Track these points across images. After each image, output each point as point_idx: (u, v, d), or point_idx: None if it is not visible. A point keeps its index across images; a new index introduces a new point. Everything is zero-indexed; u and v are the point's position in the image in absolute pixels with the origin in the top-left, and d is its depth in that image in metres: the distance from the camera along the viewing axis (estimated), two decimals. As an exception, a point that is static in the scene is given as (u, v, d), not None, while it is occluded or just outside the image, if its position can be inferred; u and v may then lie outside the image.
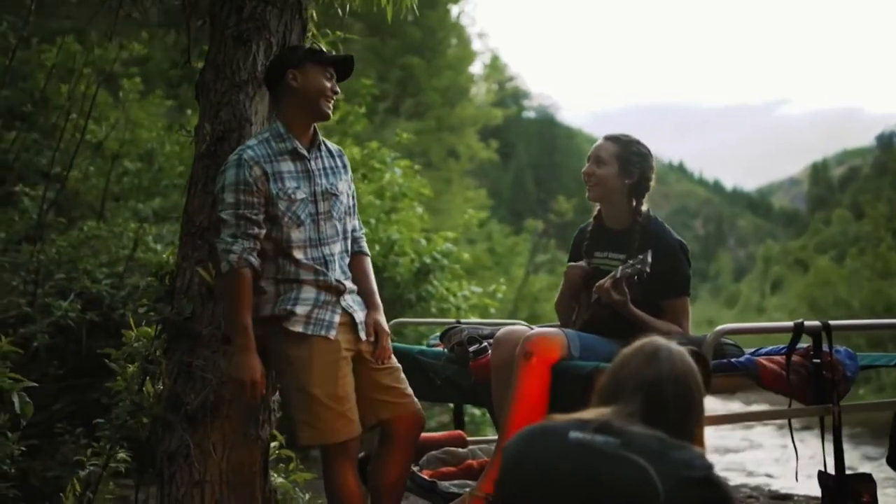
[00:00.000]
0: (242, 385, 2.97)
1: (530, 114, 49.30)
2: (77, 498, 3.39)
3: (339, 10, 4.37)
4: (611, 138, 3.36)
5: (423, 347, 4.08)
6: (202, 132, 3.42)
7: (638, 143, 3.37)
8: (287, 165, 3.11)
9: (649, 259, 3.08)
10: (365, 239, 3.44)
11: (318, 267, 3.10)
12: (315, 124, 3.24)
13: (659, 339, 1.96)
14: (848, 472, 2.76)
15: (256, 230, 3.04)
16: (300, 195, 3.10)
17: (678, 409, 1.84)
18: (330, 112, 3.20)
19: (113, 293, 5.74)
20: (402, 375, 3.28)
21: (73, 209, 8.32)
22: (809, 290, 21.43)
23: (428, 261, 7.35)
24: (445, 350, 3.66)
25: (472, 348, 3.37)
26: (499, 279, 18.40)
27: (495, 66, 46.42)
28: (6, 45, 6.48)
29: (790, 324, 2.67)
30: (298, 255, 3.08)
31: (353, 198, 3.38)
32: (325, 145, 3.30)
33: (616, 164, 3.30)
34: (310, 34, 4.03)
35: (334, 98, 3.20)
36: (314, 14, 4.27)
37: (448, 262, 7.73)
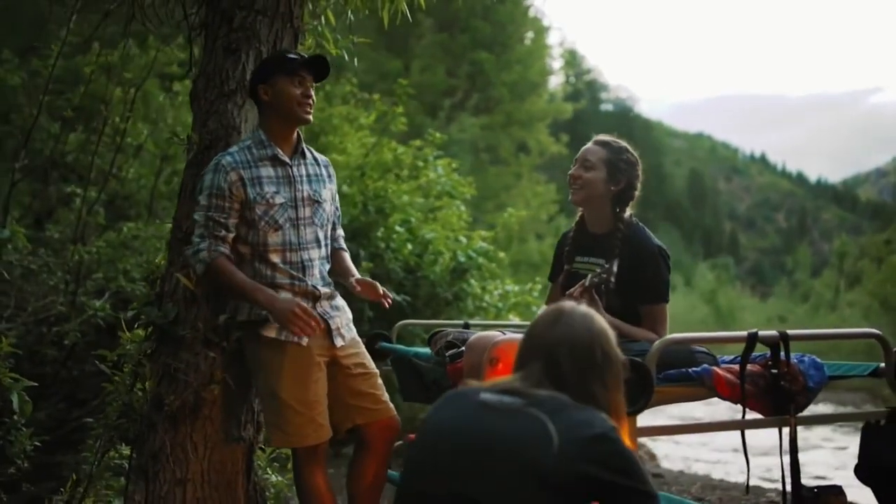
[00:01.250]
0: (295, 315, 3.00)
1: (608, 106, 48.91)
2: (69, 494, 3.53)
3: (351, 15, 4.45)
4: (601, 143, 3.35)
5: (419, 350, 4.12)
6: (192, 140, 3.52)
7: (627, 150, 3.35)
8: (267, 171, 3.19)
9: (614, 269, 3.07)
10: (343, 238, 3.54)
11: (295, 272, 3.17)
12: (298, 130, 3.31)
13: (566, 304, 1.99)
14: (822, 482, 2.73)
15: (224, 232, 3.14)
16: (279, 200, 3.17)
17: (576, 372, 1.88)
18: (308, 116, 3.24)
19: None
20: (379, 381, 3.34)
21: (129, 209, 8.59)
22: (882, 286, 20.75)
23: (463, 259, 7.37)
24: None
25: (448, 353, 3.40)
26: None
27: (571, 59, 46.16)
28: (69, 50, 6.75)
29: (744, 333, 2.63)
30: (275, 258, 3.16)
31: (338, 208, 3.46)
32: (311, 153, 3.37)
33: (604, 169, 3.29)
34: (309, 41, 4.11)
35: (309, 101, 3.24)
36: (331, 17, 4.36)
37: (485, 260, 7.73)
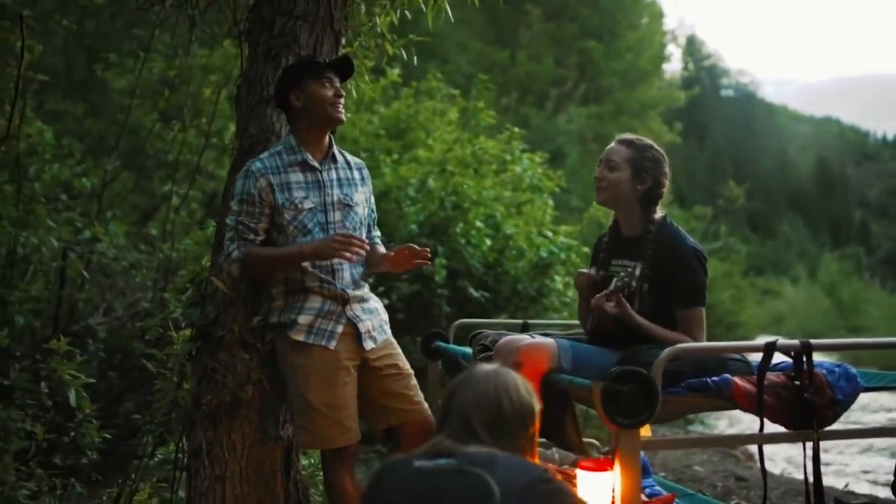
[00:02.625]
0: (338, 244, 3.07)
1: (728, 92, 47.58)
2: (119, 488, 3.67)
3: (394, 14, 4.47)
4: (624, 142, 3.28)
5: (467, 350, 4.11)
6: (233, 146, 3.60)
7: (652, 147, 3.28)
8: (296, 176, 3.24)
9: (637, 272, 3.00)
10: (379, 238, 3.59)
11: (324, 276, 3.20)
12: (330, 135, 3.34)
13: (474, 367, 2.08)
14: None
15: (253, 236, 3.21)
16: (307, 205, 3.22)
17: (491, 428, 1.96)
18: (341, 116, 3.27)
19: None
20: (413, 382, 3.35)
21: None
22: None
23: (545, 255, 7.30)
24: (474, 354, 3.69)
25: (480, 356, 3.38)
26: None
27: (690, 45, 45.10)
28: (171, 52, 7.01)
29: (760, 343, 2.52)
30: (305, 262, 3.20)
31: (373, 211, 3.49)
32: (344, 157, 3.40)
33: (629, 169, 3.22)
34: (356, 43, 4.14)
35: (340, 100, 3.27)
36: (394, 18, 4.40)
37: (573, 255, 7.64)
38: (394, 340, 3.43)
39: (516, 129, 8.12)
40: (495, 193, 7.71)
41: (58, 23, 7.22)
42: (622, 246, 3.28)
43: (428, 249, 3.30)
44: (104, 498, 3.86)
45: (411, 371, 3.37)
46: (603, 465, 2.39)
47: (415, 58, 4.77)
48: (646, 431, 2.51)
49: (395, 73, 8.41)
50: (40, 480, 4.06)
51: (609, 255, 3.33)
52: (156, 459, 3.77)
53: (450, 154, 7.51)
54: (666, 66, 29.50)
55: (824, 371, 2.65)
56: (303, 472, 3.64)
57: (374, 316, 3.33)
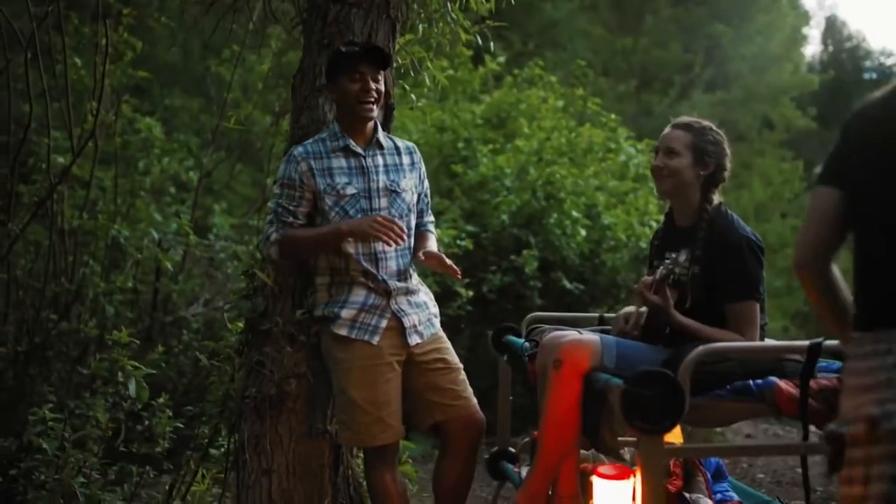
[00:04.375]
0: (378, 226, 3.00)
1: (871, 75, 45.31)
2: (174, 478, 3.70)
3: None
4: (681, 126, 3.08)
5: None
6: (288, 136, 3.58)
7: (711, 129, 3.07)
8: (339, 162, 3.18)
9: (682, 258, 2.81)
10: (432, 223, 3.45)
11: (367, 264, 3.12)
12: (376, 120, 3.26)
13: None
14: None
15: (291, 219, 3.17)
16: (350, 191, 3.15)
17: None
18: (368, 113, 3.17)
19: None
20: (462, 377, 3.25)
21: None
22: None
23: (645, 246, 7.04)
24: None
25: (528, 353, 3.24)
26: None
27: (830, 27, 43.15)
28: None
29: (805, 343, 2.28)
30: (349, 248, 3.13)
31: (426, 195, 3.38)
32: (393, 142, 3.32)
33: (690, 154, 3.02)
34: (433, 30, 4.04)
35: (369, 95, 3.16)
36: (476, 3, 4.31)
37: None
38: (443, 334, 3.33)
39: (613, 116, 7.86)
40: (598, 183, 7.49)
41: (157, 20, 7.39)
42: (676, 237, 3.08)
43: (458, 270, 3.16)
44: (167, 487, 3.88)
45: (460, 365, 3.27)
46: (623, 473, 2.22)
47: (490, 43, 4.65)
48: (676, 437, 2.32)
49: (496, 61, 8.28)
50: (119, 469, 4.14)
51: (662, 248, 3.13)
52: (219, 451, 3.77)
53: (548, 143, 7.33)
54: (805, 50, 28.32)
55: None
56: (357, 469, 3.57)
57: (421, 310, 3.24)
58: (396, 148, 3.32)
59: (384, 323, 3.12)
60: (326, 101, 3.50)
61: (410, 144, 3.38)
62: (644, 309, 3.00)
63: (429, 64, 4.02)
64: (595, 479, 2.23)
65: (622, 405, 2.13)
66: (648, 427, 2.12)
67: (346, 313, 3.11)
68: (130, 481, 4.13)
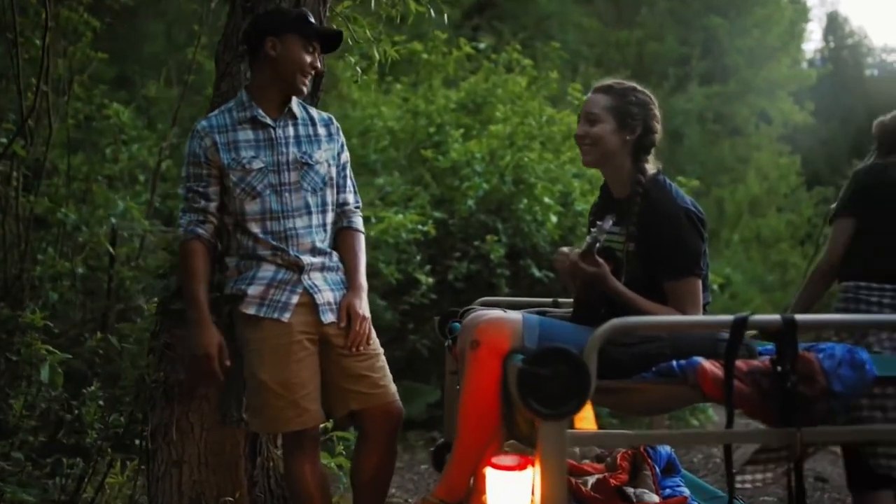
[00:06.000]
0: (198, 360, 2.87)
1: (873, 71, 45.06)
2: (84, 468, 3.48)
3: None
4: (602, 89, 2.83)
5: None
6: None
7: (635, 89, 2.82)
8: (246, 134, 2.96)
9: (607, 225, 2.58)
10: (360, 215, 3.16)
11: (276, 242, 2.90)
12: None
13: None
14: None
15: (203, 203, 2.94)
16: (257, 165, 2.93)
17: None
18: (304, 89, 2.98)
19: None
20: (380, 363, 3.01)
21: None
22: None
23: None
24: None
25: (451, 336, 3.01)
26: (794, 252, 16.97)
27: (832, 22, 42.89)
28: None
29: (729, 318, 2.04)
30: (255, 228, 2.91)
31: (343, 169, 3.13)
32: (307, 112, 3.09)
33: (612, 119, 2.77)
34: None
35: (313, 73, 2.98)
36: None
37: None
38: (367, 315, 3.09)
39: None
40: (575, 170, 7.24)
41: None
42: (611, 209, 2.84)
43: (358, 342, 2.94)
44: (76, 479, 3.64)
45: (379, 350, 3.03)
46: (521, 464, 1.99)
47: (445, 16, 4.41)
48: (589, 424, 2.09)
49: (471, 44, 8.05)
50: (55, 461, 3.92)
51: (598, 220, 2.89)
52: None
53: (521, 128, 7.09)
54: (806, 47, 28.02)
55: (820, 355, 2.16)
56: (278, 460, 3.34)
57: (338, 288, 3.01)
58: (311, 118, 3.08)
59: (295, 299, 2.89)
60: (249, 69, 3.27)
61: (328, 115, 3.15)
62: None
63: (366, 32, 3.77)
64: (488, 471, 2.00)
65: (518, 385, 1.90)
66: (546, 411, 1.89)
67: (253, 290, 2.89)
68: (62, 473, 3.91)
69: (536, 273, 6.44)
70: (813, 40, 42.00)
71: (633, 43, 20.66)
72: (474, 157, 6.79)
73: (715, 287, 9.18)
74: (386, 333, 6.26)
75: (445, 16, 4.45)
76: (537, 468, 1.90)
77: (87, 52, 6.17)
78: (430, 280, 5.93)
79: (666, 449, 3.05)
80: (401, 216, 6.08)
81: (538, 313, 2.94)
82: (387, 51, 4.31)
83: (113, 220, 6.25)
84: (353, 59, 4.25)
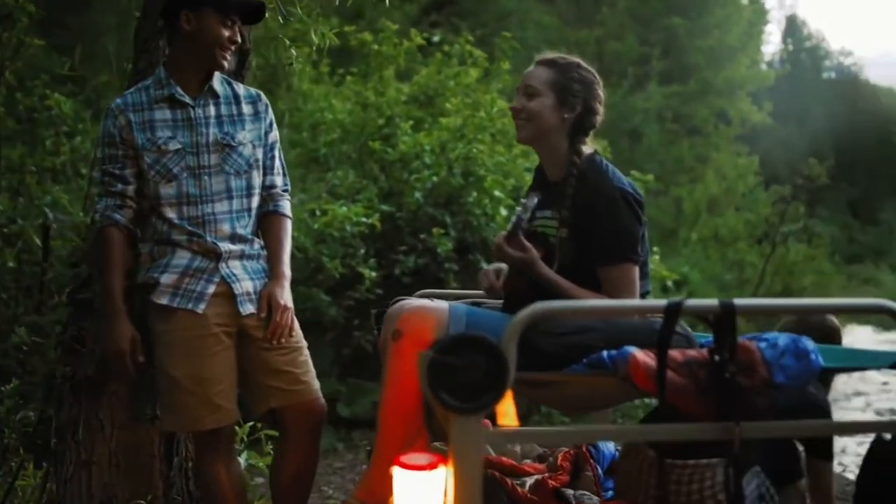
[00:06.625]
0: (108, 356, 2.68)
1: (830, 74, 45.57)
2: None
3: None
4: (544, 63, 2.67)
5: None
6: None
7: (579, 65, 2.66)
8: (163, 114, 2.76)
9: (531, 203, 2.43)
10: (288, 198, 2.97)
11: (193, 228, 2.71)
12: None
13: None
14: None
15: (120, 186, 2.74)
16: (173, 146, 2.73)
17: None
18: (225, 63, 2.78)
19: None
20: (303, 358, 2.82)
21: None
22: None
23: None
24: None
25: (376, 326, 2.83)
26: (752, 251, 16.98)
27: (791, 25, 43.31)
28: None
29: (662, 302, 1.88)
30: (170, 213, 2.72)
31: (271, 149, 2.93)
32: (232, 90, 2.88)
33: (552, 94, 2.61)
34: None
35: (233, 47, 2.79)
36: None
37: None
38: (290, 307, 2.89)
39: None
40: (528, 164, 7.08)
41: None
42: (547, 193, 2.68)
43: (279, 333, 2.75)
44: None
45: (302, 344, 2.84)
46: (432, 462, 1.81)
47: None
48: (511, 420, 1.92)
49: (422, 35, 7.89)
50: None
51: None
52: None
53: (472, 120, 6.93)
54: (765, 49, 28.21)
55: (762, 344, 2.01)
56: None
57: (259, 278, 2.81)
58: (236, 96, 2.88)
59: (211, 288, 2.70)
60: (167, 45, 3.07)
61: (256, 92, 2.95)
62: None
63: (297, 8, 3.58)
64: (395, 470, 1.82)
65: (428, 377, 1.72)
66: (459, 404, 1.71)
67: (166, 279, 2.69)
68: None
69: (486, 267, 6.26)
70: (772, 43, 42.36)
71: (593, 42, 20.60)
72: (424, 150, 6.63)
73: (670, 284, 9.12)
74: (331, 330, 6.08)
75: (404, 10, 4.27)
76: (450, 468, 1.73)
77: (22, 37, 5.93)
78: (374, 274, 5.74)
79: (609, 448, 2.89)
80: (345, 209, 5.89)
81: (474, 304, 2.78)
82: (325, 34, 4.13)
83: (49, 213, 6.01)
84: (286, 42, 4.06)
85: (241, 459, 3.50)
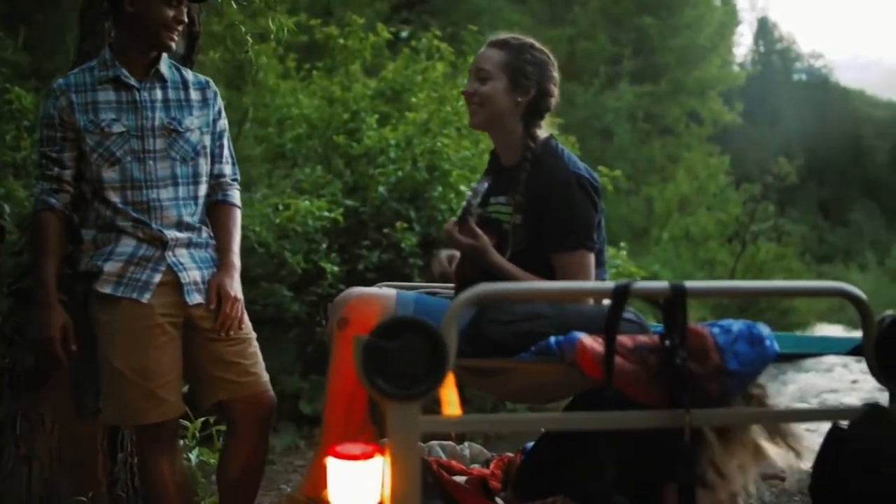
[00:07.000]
0: (40, 344, 2.59)
1: (801, 76, 45.93)
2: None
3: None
4: (496, 44, 2.60)
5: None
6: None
7: (533, 46, 2.59)
8: (106, 95, 2.67)
9: (481, 188, 2.37)
10: (237, 188, 2.89)
11: (137, 214, 2.62)
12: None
13: None
14: None
15: (57, 170, 2.65)
16: (117, 128, 2.64)
17: None
18: (172, 44, 2.69)
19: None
20: (252, 349, 2.74)
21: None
22: None
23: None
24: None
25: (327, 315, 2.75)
26: (723, 250, 17.06)
27: (762, 27, 43.57)
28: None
29: (610, 285, 1.82)
30: (114, 197, 2.63)
31: (220, 138, 2.85)
32: (181, 75, 2.80)
33: (505, 77, 2.54)
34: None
35: (179, 27, 2.69)
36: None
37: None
38: (239, 298, 2.81)
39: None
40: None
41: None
42: (501, 179, 2.61)
43: (228, 325, 2.67)
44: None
45: (251, 335, 2.76)
46: (367, 452, 1.74)
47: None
48: (455, 410, 1.85)
49: (388, 29, 7.81)
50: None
51: (486, 193, 2.65)
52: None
53: (438, 114, 6.86)
54: (736, 51, 28.35)
55: (715, 330, 1.95)
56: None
57: (207, 267, 2.73)
58: (184, 81, 2.80)
59: (157, 277, 2.61)
60: (112, 27, 2.98)
61: (205, 79, 2.87)
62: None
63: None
64: (329, 460, 1.74)
65: (362, 362, 1.65)
66: (395, 391, 1.64)
67: (110, 267, 2.60)
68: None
69: (439, 253, 6.20)
70: (743, 44, 42.65)
71: (565, 41, 20.59)
72: (389, 145, 6.55)
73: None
74: (294, 326, 5.99)
75: (374, 8, 4.20)
76: (387, 458, 1.66)
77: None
78: (336, 269, 5.66)
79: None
80: (308, 203, 5.80)
81: (429, 293, 2.71)
82: (283, 23, 4.05)
83: (6, 206, 5.89)
84: (242, 28, 3.98)
85: (192, 456, 3.43)
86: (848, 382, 9.20)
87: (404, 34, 9.05)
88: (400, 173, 6.27)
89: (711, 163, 22.11)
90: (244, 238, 5.82)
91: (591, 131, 18.21)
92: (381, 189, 6.16)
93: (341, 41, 7.68)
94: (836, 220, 35.30)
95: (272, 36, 3.99)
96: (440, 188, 6.32)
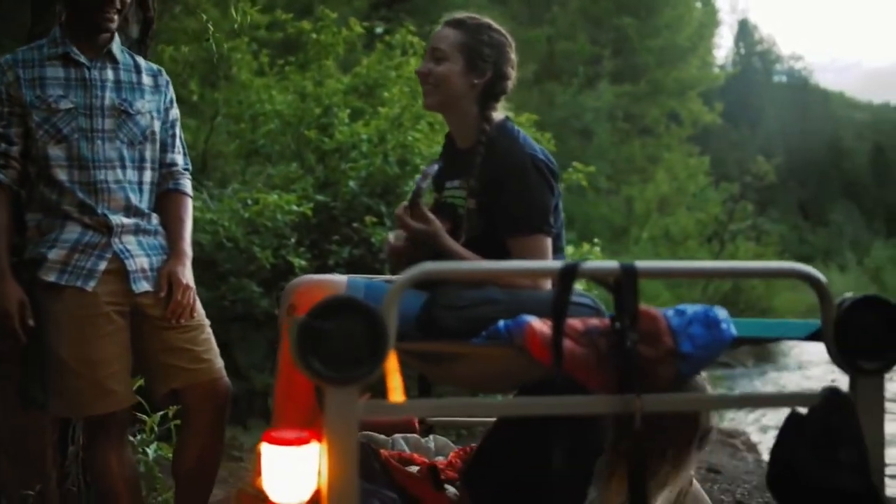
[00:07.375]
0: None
1: (781, 78, 46.16)
2: None
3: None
4: (452, 23, 2.54)
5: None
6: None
7: (490, 27, 2.53)
8: (55, 71, 2.62)
9: (431, 171, 2.32)
10: (188, 177, 2.83)
11: (84, 196, 2.55)
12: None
13: None
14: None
15: (3, 146, 2.58)
16: (64, 105, 2.59)
17: None
18: (108, 23, 2.62)
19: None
20: (205, 335, 2.68)
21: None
22: None
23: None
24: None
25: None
26: (702, 249, 17.09)
27: (743, 29, 43.74)
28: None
29: (557, 264, 1.76)
30: (61, 175, 2.57)
31: (172, 127, 2.80)
32: (133, 60, 2.74)
33: (461, 58, 2.48)
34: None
35: (115, 4, 2.61)
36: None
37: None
38: (191, 286, 2.74)
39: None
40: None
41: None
42: (456, 163, 2.55)
43: (179, 313, 2.61)
44: None
45: (203, 322, 2.70)
46: (303, 438, 1.68)
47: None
48: (400, 396, 1.78)
49: (361, 24, 7.75)
50: None
51: (443, 175, 2.59)
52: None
53: (409, 108, 6.80)
54: (717, 52, 28.47)
55: (669, 312, 1.90)
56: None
57: (156, 254, 2.66)
58: (136, 66, 2.75)
59: (102, 265, 2.55)
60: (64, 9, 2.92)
61: (158, 67, 2.83)
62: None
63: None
64: (262, 446, 1.69)
65: (296, 343, 1.58)
66: (331, 374, 1.58)
67: (54, 255, 2.54)
68: None
69: (390, 236, 6.13)
70: (724, 46, 42.86)
71: (545, 41, 20.59)
72: (361, 140, 6.49)
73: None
74: (265, 323, 5.92)
75: (353, 6, 4.16)
76: (324, 444, 1.60)
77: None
78: (304, 263, 5.59)
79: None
80: (276, 197, 5.73)
81: (387, 282, 2.65)
82: (246, 11, 4.00)
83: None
84: (203, 17, 3.91)
85: (150, 451, 3.36)
86: (828, 382, 9.21)
87: (379, 30, 8.98)
88: (371, 168, 6.20)
89: (691, 163, 22.15)
90: (214, 233, 5.77)
91: (571, 131, 18.20)
92: (352, 184, 6.09)
93: (314, 36, 7.61)
94: (816, 221, 35.52)
95: (235, 26, 3.93)
96: (411, 183, 6.25)
